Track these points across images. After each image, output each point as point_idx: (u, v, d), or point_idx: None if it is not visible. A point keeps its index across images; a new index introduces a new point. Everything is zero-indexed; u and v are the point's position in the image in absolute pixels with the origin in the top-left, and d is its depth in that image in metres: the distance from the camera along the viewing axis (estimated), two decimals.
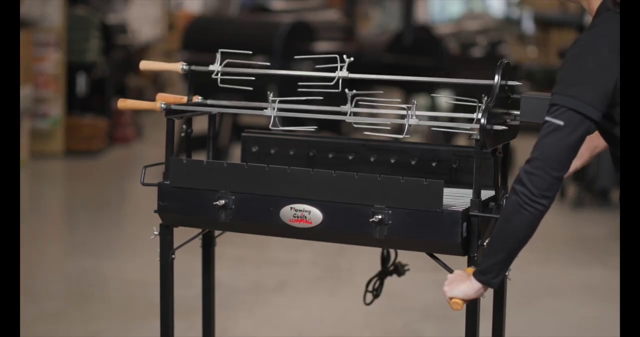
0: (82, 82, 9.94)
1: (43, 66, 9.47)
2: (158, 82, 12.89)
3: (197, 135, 3.23)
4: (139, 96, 11.70)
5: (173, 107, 3.03)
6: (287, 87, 8.64)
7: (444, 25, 12.55)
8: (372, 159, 3.14)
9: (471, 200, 2.69)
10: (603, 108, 2.41)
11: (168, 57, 13.39)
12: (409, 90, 10.00)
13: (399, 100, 3.03)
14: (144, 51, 12.57)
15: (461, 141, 10.02)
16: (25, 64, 8.92)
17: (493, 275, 2.51)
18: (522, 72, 11.33)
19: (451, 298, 2.55)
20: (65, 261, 6.31)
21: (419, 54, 9.73)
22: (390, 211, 2.69)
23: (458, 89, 10.21)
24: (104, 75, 10.08)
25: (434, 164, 3.07)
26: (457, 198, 2.85)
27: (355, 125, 2.91)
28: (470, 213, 2.68)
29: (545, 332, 5.00)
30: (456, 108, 10.23)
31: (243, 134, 3.32)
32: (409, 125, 2.78)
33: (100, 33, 10.06)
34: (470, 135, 2.69)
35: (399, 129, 2.85)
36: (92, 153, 9.64)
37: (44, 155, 9.36)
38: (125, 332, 4.82)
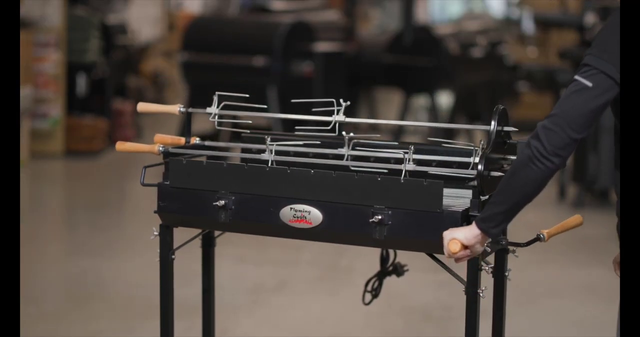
0: (82, 83, 9.93)
1: (43, 66, 9.47)
2: (158, 82, 12.89)
3: (196, 157, 3.25)
4: (139, 96, 11.71)
5: (171, 150, 3.05)
6: (287, 87, 8.65)
7: (444, 26, 12.54)
8: (372, 160, 3.14)
9: (471, 200, 2.69)
10: None
11: (168, 57, 13.39)
12: (408, 91, 10.01)
13: (396, 143, 3.06)
14: (144, 51, 12.57)
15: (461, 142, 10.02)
16: (25, 64, 8.92)
17: (493, 224, 2.51)
18: (522, 73, 11.32)
19: (451, 239, 2.55)
20: (65, 261, 6.31)
21: (419, 54, 9.73)
22: (390, 211, 2.70)
23: (458, 89, 10.23)
24: (104, 75, 10.07)
25: (433, 165, 3.07)
26: (456, 198, 2.86)
27: (352, 168, 2.93)
28: (470, 213, 2.68)
29: (545, 332, 5.00)
30: (456, 109, 10.24)
31: (243, 135, 3.32)
32: (407, 170, 2.79)
33: (100, 33, 10.05)
34: (468, 180, 2.71)
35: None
36: (92, 153, 9.65)
37: (44, 156, 9.36)
38: (125, 333, 4.83)
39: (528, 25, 13.39)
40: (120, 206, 8.10)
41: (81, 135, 9.67)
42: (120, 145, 3.13)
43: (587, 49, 2.43)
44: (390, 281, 3.45)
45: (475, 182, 2.67)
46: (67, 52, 9.72)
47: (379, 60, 9.93)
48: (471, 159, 2.82)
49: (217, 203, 2.86)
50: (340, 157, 2.97)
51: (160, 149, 3.05)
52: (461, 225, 2.65)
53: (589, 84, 2.37)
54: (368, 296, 3.37)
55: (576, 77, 2.39)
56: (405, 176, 2.78)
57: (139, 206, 7.87)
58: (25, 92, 8.84)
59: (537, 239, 2.74)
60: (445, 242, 2.57)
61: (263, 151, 2.99)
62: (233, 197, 2.86)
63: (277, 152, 2.98)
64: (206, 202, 2.89)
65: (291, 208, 2.80)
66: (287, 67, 8.76)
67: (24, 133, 8.80)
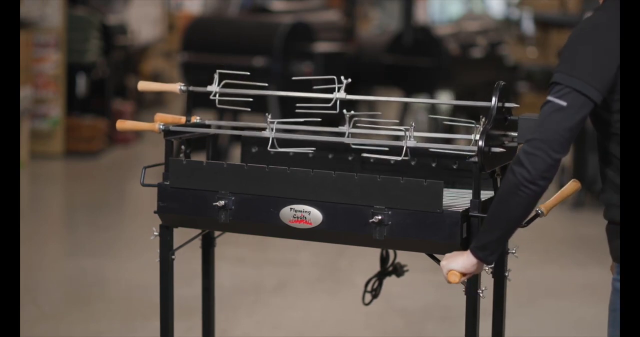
0: (81, 83, 9.93)
1: (43, 67, 9.47)
2: (158, 82, 12.88)
3: (197, 135, 3.24)
4: (139, 97, 11.72)
5: (171, 128, 3.04)
6: (287, 87, 8.64)
7: (444, 26, 12.54)
8: (371, 160, 3.14)
9: (471, 201, 2.69)
10: (604, 93, 2.37)
11: (168, 57, 13.40)
12: (408, 92, 10.01)
13: (397, 121, 3.05)
14: (143, 52, 12.57)
15: (461, 142, 10.02)
16: (25, 64, 8.92)
17: (489, 252, 2.51)
18: (522, 73, 11.33)
19: (449, 271, 2.55)
20: (65, 261, 6.31)
21: (418, 54, 9.73)
22: (390, 212, 2.69)
23: (458, 89, 10.23)
24: (104, 75, 10.08)
25: (433, 165, 3.07)
26: (456, 198, 2.86)
27: (353, 147, 2.92)
28: (470, 214, 2.68)
29: (545, 332, 5.00)
30: (456, 109, 10.24)
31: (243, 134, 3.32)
32: (407, 147, 2.78)
33: (99, 34, 10.05)
34: (468, 157, 2.70)
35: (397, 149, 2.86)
36: (92, 154, 9.65)
37: (44, 156, 9.36)
38: (125, 333, 4.83)
39: (528, 26, 13.39)
40: (120, 206, 8.10)
41: (81, 136, 9.67)
42: (121, 124, 3.12)
43: (556, 66, 2.43)
44: (390, 281, 3.45)
45: (476, 159, 2.65)
46: (67, 52, 9.72)
47: (379, 60, 9.93)
48: (472, 136, 2.81)
49: (217, 203, 2.86)
50: (341, 135, 2.96)
51: (161, 127, 3.04)
52: (461, 226, 2.65)
53: (564, 103, 2.36)
54: (368, 296, 3.37)
55: (549, 98, 2.38)
56: (406, 153, 2.77)
57: (139, 206, 7.87)
58: (25, 92, 8.84)
59: (537, 215, 2.73)
60: (444, 272, 2.56)
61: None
62: (233, 198, 2.86)
63: (278, 130, 2.96)
64: (206, 202, 2.89)
65: (291, 208, 2.80)
66: (287, 68, 8.76)
67: (24, 133, 8.80)
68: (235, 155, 8.65)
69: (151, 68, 12.96)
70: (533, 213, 2.70)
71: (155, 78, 12.94)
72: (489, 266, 2.74)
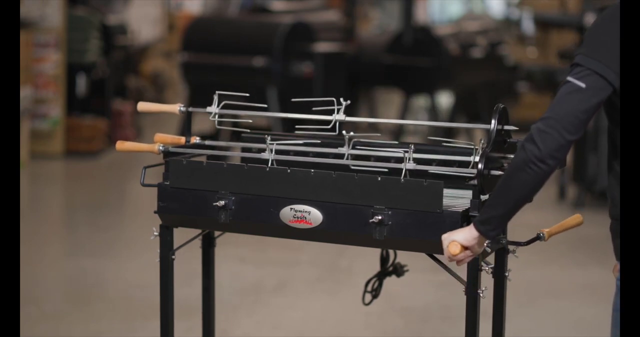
0: (81, 83, 9.93)
1: (43, 67, 9.47)
2: (158, 83, 12.89)
3: (196, 156, 3.25)
4: (139, 97, 11.71)
5: (171, 149, 3.05)
6: (287, 87, 8.64)
7: (444, 26, 12.54)
8: (372, 159, 3.14)
9: (471, 201, 2.69)
10: None
11: (168, 57, 13.40)
12: (408, 92, 10.01)
13: (396, 142, 3.06)
14: (143, 52, 12.56)
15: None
16: (25, 64, 8.92)
17: (491, 227, 2.52)
18: (522, 73, 11.32)
19: (451, 241, 2.55)
20: (65, 261, 6.31)
21: (418, 54, 9.73)
22: (390, 212, 2.70)
23: (458, 90, 10.22)
24: (104, 76, 10.07)
25: (433, 165, 3.07)
26: (456, 199, 2.86)
27: (352, 168, 2.93)
28: (470, 214, 2.68)
29: (545, 332, 5.00)
30: (456, 109, 10.23)
31: (243, 134, 3.32)
32: (407, 169, 2.79)
33: (99, 34, 10.05)
34: (468, 179, 2.71)
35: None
36: (92, 154, 9.65)
37: (44, 156, 9.36)
38: (125, 333, 4.83)
39: (528, 26, 13.38)
40: (120, 206, 8.10)
41: (81, 136, 9.67)
42: (120, 145, 3.14)
43: (577, 48, 2.43)
44: (390, 281, 3.45)
45: (475, 181, 2.66)
46: (67, 52, 9.72)
47: (379, 60, 9.93)
48: (471, 158, 2.82)
49: (217, 203, 2.86)
50: (340, 156, 2.97)
51: (160, 148, 3.06)
52: (461, 226, 2.65)
53: (582, 85, 2.36)
54: (368, 296, 3.37)
55: (569, 78, 2.39)
56: (405, 175, 2.78)
57: (139, 206, 7.87)
58: (25, 92, 8.84)
59: (537, 238, 2.75)
60: (445, 244, 2.57)
61: (263, 151, 2.99)
62: (233, 198, 2.86)
63: (277, 152, 2.98)
64: (206, 202, 2.89)
65: (291, 208, 2.80)
66: (287, 68, 8.76)
67: (24, 133, 8.80)
68: None
69: (151, 68, 12.96)
70: (534, 235, 2.72)
71: (155, 78, 12.94)
72: (489, 266, 2.74)
